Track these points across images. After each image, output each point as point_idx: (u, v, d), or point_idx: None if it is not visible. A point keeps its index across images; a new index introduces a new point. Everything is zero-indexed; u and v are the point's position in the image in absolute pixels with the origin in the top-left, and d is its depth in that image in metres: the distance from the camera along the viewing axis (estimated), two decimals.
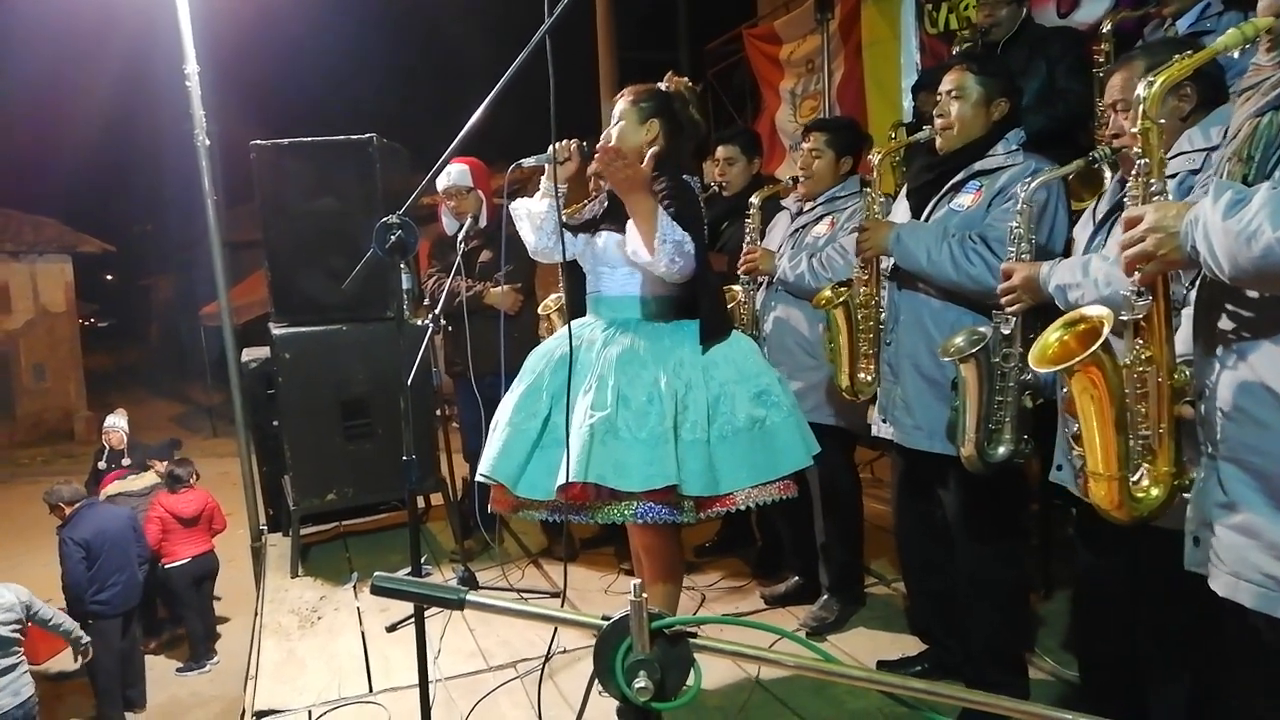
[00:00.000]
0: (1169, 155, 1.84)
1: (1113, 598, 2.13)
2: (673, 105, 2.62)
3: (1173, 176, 1.80)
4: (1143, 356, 1.52)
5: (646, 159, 2.50)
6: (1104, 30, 3.07)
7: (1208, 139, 1.82)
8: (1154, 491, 1.56)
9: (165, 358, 26.83)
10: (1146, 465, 1.56)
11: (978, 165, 2.50)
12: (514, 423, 2.54)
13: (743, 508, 2.51)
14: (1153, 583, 1.98)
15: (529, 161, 2.70)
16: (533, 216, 2.70)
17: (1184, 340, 1.57)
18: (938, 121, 2.56)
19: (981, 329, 2.31)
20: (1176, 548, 1.57)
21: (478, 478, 2.64)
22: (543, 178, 2.70)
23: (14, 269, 17.90)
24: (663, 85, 2.66)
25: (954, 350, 2.29)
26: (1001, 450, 2.29)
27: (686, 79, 2.69)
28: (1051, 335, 1.65)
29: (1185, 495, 1.54)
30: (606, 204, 2.64)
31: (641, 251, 2.42)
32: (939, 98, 2.56)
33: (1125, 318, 1.53)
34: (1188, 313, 1.57)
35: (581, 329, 2.60)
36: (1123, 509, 1.59)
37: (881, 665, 2.83)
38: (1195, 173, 1.79)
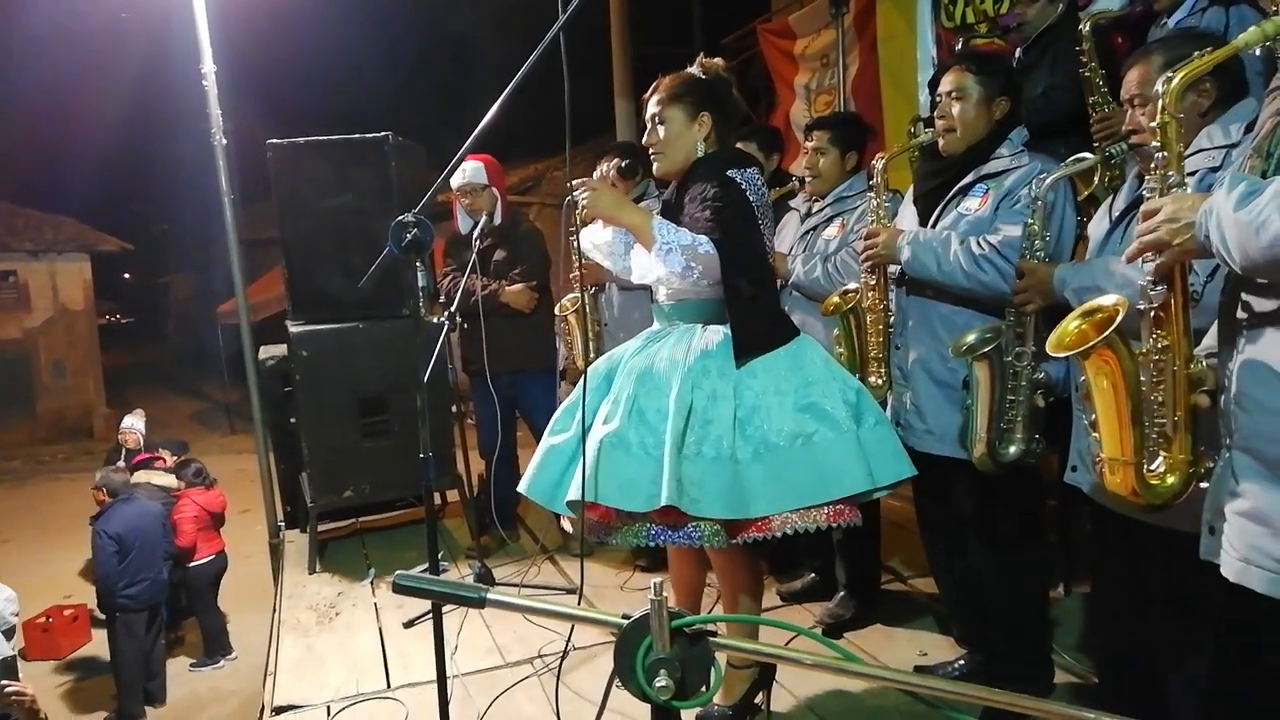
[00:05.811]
0: (1188, 152, 1.82)
1: (1128, 596, 2.12)
2: (718, 93, 2.41)
3: (1193, 174, 1.78)
4: (1159, 345, 1.52)
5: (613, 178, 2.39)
6: (1083, 30, 2.98)
7: (1228, 136, 1.80)
8: (1170, 479, 1.57)
9: (183, 355, 26.99)
10: (1163, 454, 1.57)
11: (984, 169, 2.46)
12: (549, 440, 2.48)
13: (779, 534, 2.22)
14: (1163, 580, 1.96)
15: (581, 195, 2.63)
16: (601, 247, 2.59)
17: (1215, 334, 1.57)
18: (939, 124, 2.51)
19: (995, 326, 2.29)
20: (1185, 545, 1.56)
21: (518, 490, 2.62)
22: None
23: (33, 268, 18.06)
24: (697, 72, 2.42)
25: (966, 349, 2.27)
26: (1013, 450, 2.28)
27: (718, 59, 2.47)
28: (1070, 324, 1.66)
29: (1203, 485, 1.55)
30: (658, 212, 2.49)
31: (651, 269, 2.32)
32: (939, 99, 2.52)
33: (1142, 307, 1.53)
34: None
35: (635, 338, 2.52)
36: (1138, 496, 1.60)
37: (919, 670, 2.79)
38: (1216, 170, 1.77)
